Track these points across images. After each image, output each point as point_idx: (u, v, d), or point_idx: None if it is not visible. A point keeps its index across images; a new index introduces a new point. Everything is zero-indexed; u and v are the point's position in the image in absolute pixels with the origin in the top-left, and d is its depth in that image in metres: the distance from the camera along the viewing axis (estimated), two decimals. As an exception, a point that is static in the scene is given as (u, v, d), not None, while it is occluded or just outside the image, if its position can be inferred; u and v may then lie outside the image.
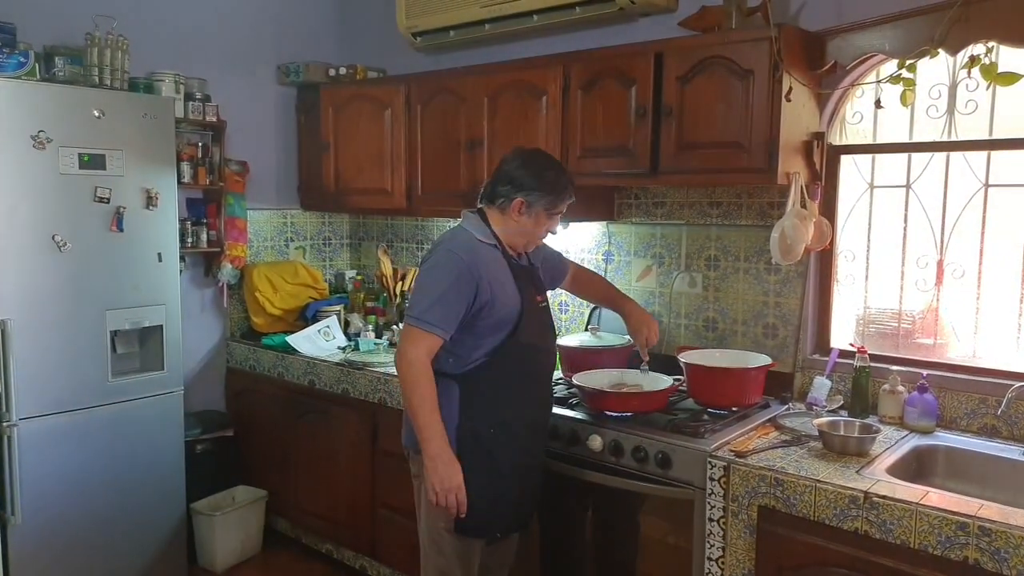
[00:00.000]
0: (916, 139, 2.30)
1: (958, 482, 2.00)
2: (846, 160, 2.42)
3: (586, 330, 2.75)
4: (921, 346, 2.36)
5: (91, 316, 2.58)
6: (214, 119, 3.17)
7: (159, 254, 2.72)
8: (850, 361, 2.30)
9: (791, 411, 2.30)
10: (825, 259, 2.45)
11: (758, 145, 2.15)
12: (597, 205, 2.78)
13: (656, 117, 2.33)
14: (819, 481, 1.79)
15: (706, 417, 2.21)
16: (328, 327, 3.25)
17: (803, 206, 2.25)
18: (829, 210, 2.41)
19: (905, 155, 2.33)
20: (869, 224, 2.42)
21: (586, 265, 2.93)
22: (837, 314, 2.48)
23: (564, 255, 2.41)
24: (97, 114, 2.52)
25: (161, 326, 2.75)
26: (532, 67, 2.66)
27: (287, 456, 3.18)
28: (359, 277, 3.66)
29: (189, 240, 3.16)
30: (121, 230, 2.62)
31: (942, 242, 2.29)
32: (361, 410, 2.87)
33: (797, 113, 2.21)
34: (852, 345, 2.33)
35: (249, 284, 3.34)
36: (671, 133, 2.31)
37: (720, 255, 2.61)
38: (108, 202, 2.59)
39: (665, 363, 2.42)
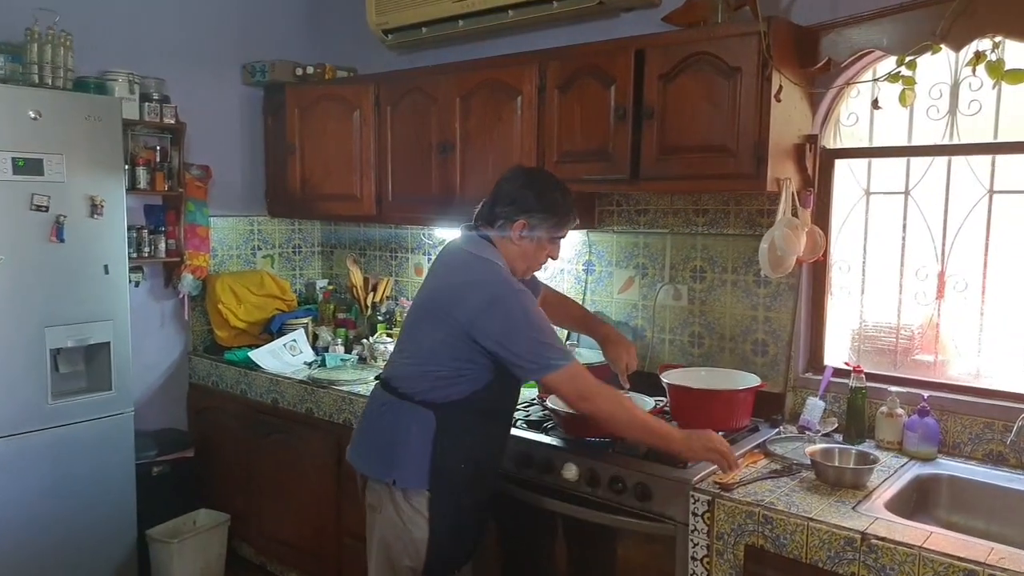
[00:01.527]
0: (915, 142, 2.14)
1: (963, 516, 1.84)
2: (841, 165, 2.26)
3: (565, 345, 2.58)
4: (921, 364, 2.21)
5: (28, 334, 2.39)
6: (172, 121, 2.99)
7: (105, 266, 2.54)
8: (845, 380, 2.14)
9: (782, 435, 2.13)
10: (818, 271, 2.29)
11: (745, 149, 1.99)
12: (577, 212, 2.61)
13: (637, 119, 2.17)
14: (811, 519, 1.62)
15: (690, 443, 2.05)
16: (295, 341, 3.07)
17: (794, 214, 2.09)
18: (822, 218, 2.25)
19: (904, 159, 2.18)
20: (865, 233, 2.27)
21: (566, 276, 2.78)
22: (831, 330, 2.31)
23: (536, 276, 2.23)
24: (33, 115, 2.34)
25: (108, 343, 2.57)
26: (506, 65, 2.50)
27: (251, 478, 3.01)
28: (331, 287, 3.48)
29: (146, 249, 2.99)
30: (62, 240, 2.44)
31: (943, 252, 2.13)
32: (326, 431, 2.69)
33: (788, 114, 2.05)
34: (847, 364, 2.17)
35: (212, 295, 3.16)
36: (653, 136, 2.15)
37: (706, 266, 2.44)
38: (47, 210, 2.40)
39: (648, 382, 2.26)
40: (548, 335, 1.76)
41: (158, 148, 3.02)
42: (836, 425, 2.15)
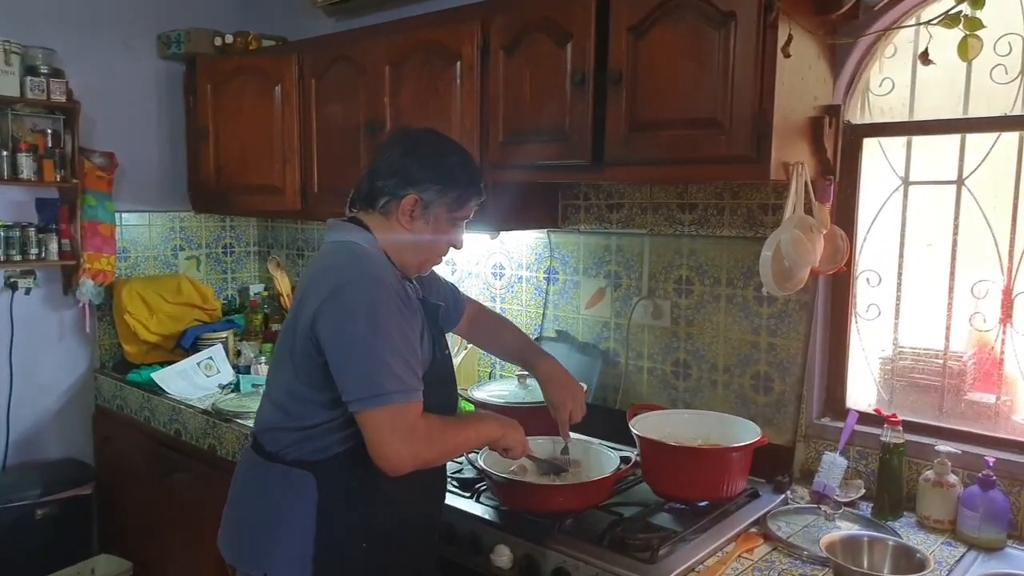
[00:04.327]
0: (973, 114, 1.60)
1: (1045, 637, 1.31)
2: (871, 145, 1.73)
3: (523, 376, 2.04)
4: (975, 406, 1.67)
5: None
6: (63, 99, 2.51)
7: (-52, 275, 2.07)
8: (874, 430, 1.61)
9: (789, 505, 1.61)
10: (840, 285, 1.76)
11: (741, 122, 1.47)
12: (535, 207, 2.10)
13: (600, 85, 1.65)
14: (829, 660, 1.10)
15: (664, 517, 1.54)
16: (211, 359, 2.59)
17: (808, 211, 1.56)
18: (846, 216, 1.72)
19: (956, 137, 1.64)
20: (902, 235, 1.73)
21: (525, 286, 2.27)
22: (856, 361, 1.78)
23: (459, 288, 1.72)
24: None
25: (-45, 370, 2.10)
26: (442, 23, 2.00)
27: (155, 521, 2.54)
28: (266, 293, 2.99)
29: (34, 251, 2.52)
30: None
31: (1011, 262, 1.59)
32: (228, 474, 2.19)
33: (800, 76, 1.52)
34: (877, 411, 1.64)
35: (117, 304, 2.68)
36: (620, 107, 1.63)
37: (694, 276, 1.91)
38: None
39: (619, 423, 1.75)
40: (393, 351, 1.25)
41: (50, 132, 2.54)
42: (862, 491, 1.63)
